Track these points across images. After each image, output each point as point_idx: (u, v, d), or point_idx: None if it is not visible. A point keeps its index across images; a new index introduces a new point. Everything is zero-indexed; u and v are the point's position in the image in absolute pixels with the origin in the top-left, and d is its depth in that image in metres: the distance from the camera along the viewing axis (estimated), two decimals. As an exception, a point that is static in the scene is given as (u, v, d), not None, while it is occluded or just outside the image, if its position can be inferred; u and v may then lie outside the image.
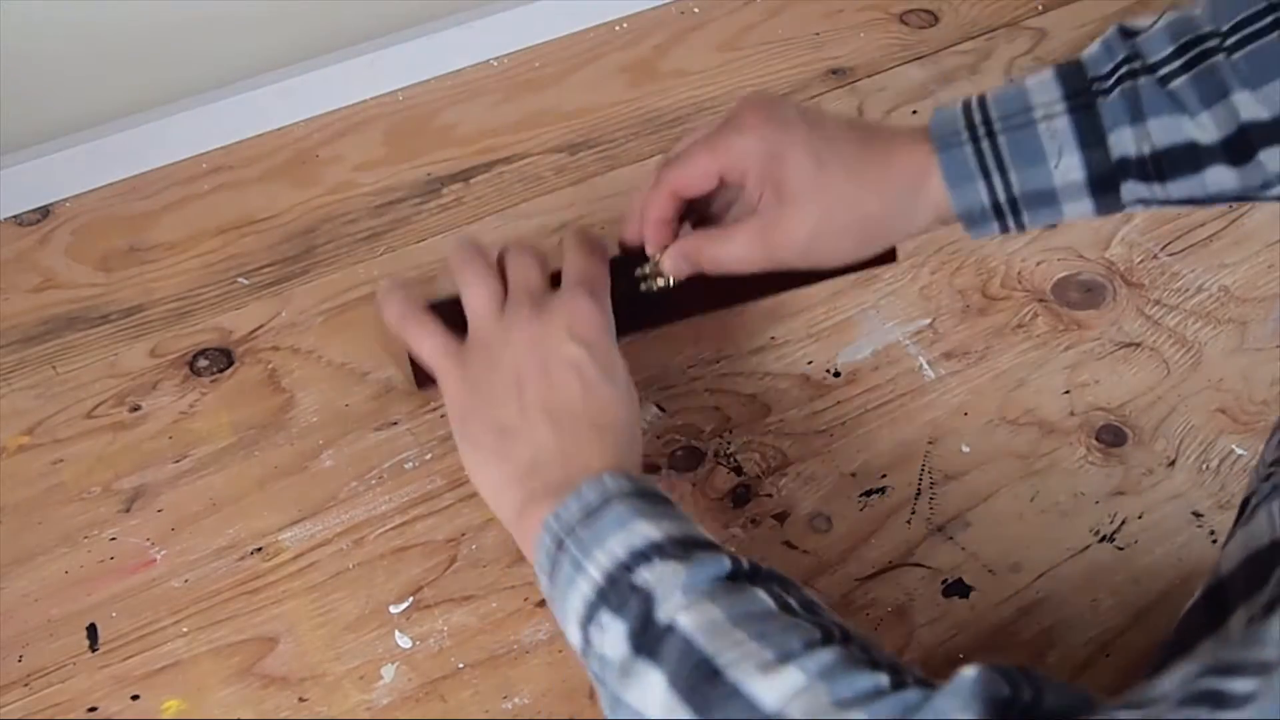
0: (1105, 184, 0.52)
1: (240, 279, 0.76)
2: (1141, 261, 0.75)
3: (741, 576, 0.46)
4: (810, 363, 0.70)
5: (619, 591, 0.46)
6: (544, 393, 0.53)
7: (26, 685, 0.57)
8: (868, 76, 0.90)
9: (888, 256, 0.63)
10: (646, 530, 0.47)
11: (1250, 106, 0.48)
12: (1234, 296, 0.73)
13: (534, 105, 0.87)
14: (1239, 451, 0.65)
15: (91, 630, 0.59)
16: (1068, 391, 0.69)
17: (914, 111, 0.87)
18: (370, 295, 0.74)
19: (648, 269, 0.61)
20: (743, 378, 0.70)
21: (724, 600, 0.44)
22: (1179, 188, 0.51)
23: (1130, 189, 0.52)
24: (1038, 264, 0.75)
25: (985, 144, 0.52)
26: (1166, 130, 0.50)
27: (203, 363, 0.71)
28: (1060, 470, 0.65)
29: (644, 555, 0.46)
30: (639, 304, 0.61)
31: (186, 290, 0.75)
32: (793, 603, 0.45)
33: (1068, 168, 0.51)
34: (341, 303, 0.74)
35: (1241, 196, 0.51)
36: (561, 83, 0.88)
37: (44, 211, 0.80)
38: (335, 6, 0.87)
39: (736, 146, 0.55)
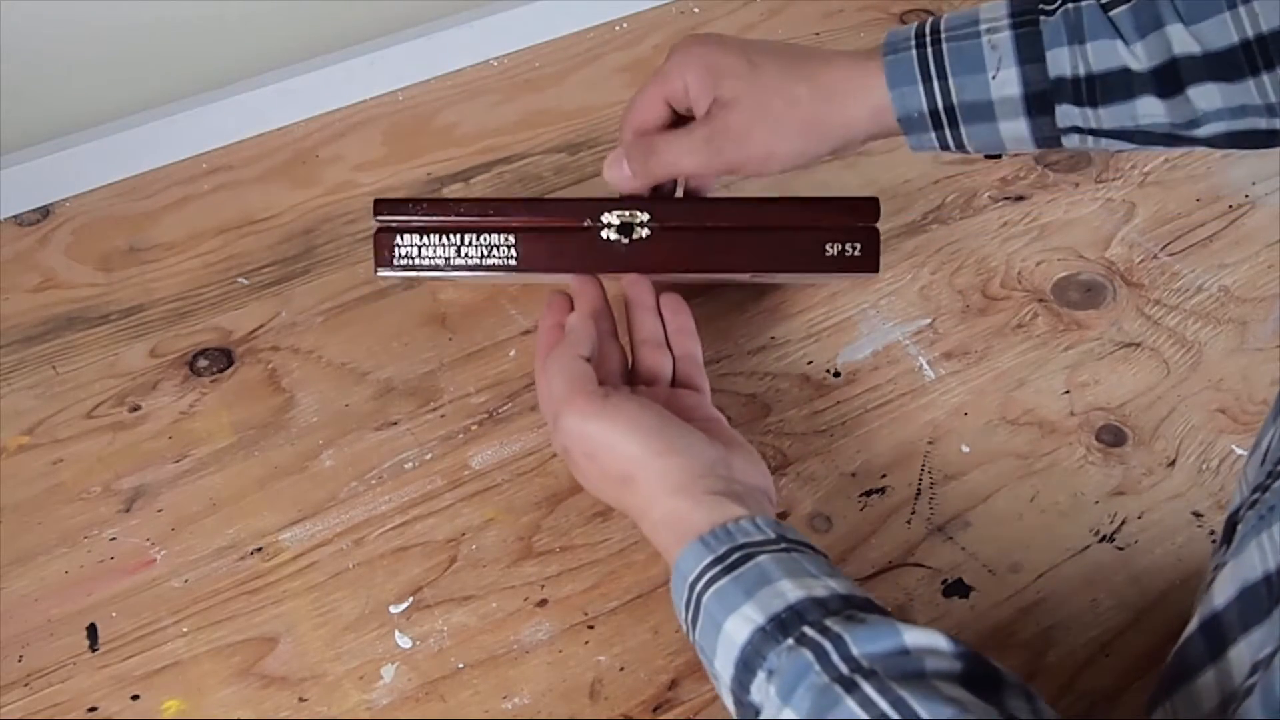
0: (1040, 103, 0.54)
1: (240, 279, 0.76)
2: (1141, 261, 0.75)
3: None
4: (810, 363, 0.70)
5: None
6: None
7: (26, 685, 0.57)
8: (868, 76, 0.90)
9: (870, 265, 0.64)
10: None
11: (1182, 40, 0.51)
12: (1234, 296, 0.73)
13: (534, 105, 0.87)
14: (1239, 451, 0.65)
15: (91, 630, 0.59)
16: (1068, 391, 0.69)
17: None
18: (370, 295, 0.74)
19: (615, 219, 0.62)
20: (742, 378, 0.70)
21: None
22: (1111, 115, 0.54)
23: (1065, 113, 0.54)
24: (1038, 264, 0.75)
25: (930, 50, 0.55)
26: (1102, 54, 0.53)
27: (203, 363, 0.71)
28: (1060, 470, 0.65)
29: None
30: (605, 253, 0.63)
31: (186, 290, 0.75)
32: None
33: (1005, 80, 0.54)
34: (341, 303, 0.74)
35: (1171, 135, 0.54)
36: (561, 83, 0.88)
37: (44, 211, 0.80)
38: (335, 6, 0.87)
39: (675, 66, 0.59)
